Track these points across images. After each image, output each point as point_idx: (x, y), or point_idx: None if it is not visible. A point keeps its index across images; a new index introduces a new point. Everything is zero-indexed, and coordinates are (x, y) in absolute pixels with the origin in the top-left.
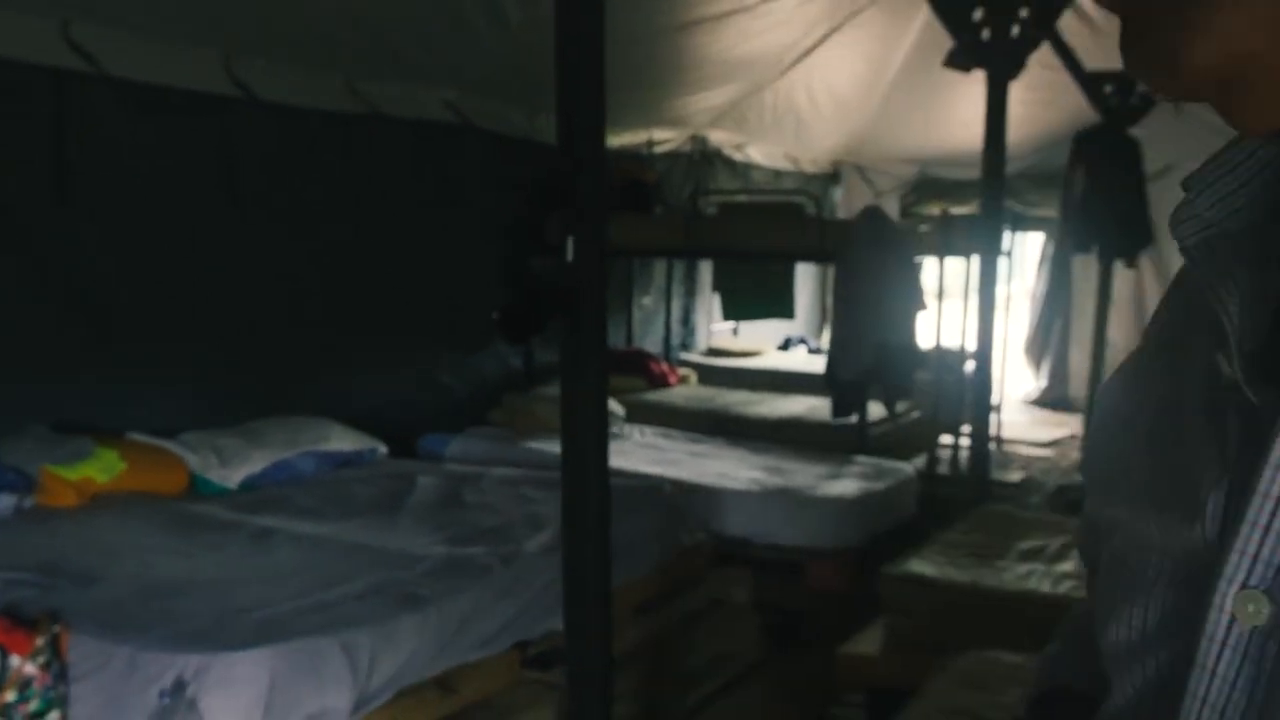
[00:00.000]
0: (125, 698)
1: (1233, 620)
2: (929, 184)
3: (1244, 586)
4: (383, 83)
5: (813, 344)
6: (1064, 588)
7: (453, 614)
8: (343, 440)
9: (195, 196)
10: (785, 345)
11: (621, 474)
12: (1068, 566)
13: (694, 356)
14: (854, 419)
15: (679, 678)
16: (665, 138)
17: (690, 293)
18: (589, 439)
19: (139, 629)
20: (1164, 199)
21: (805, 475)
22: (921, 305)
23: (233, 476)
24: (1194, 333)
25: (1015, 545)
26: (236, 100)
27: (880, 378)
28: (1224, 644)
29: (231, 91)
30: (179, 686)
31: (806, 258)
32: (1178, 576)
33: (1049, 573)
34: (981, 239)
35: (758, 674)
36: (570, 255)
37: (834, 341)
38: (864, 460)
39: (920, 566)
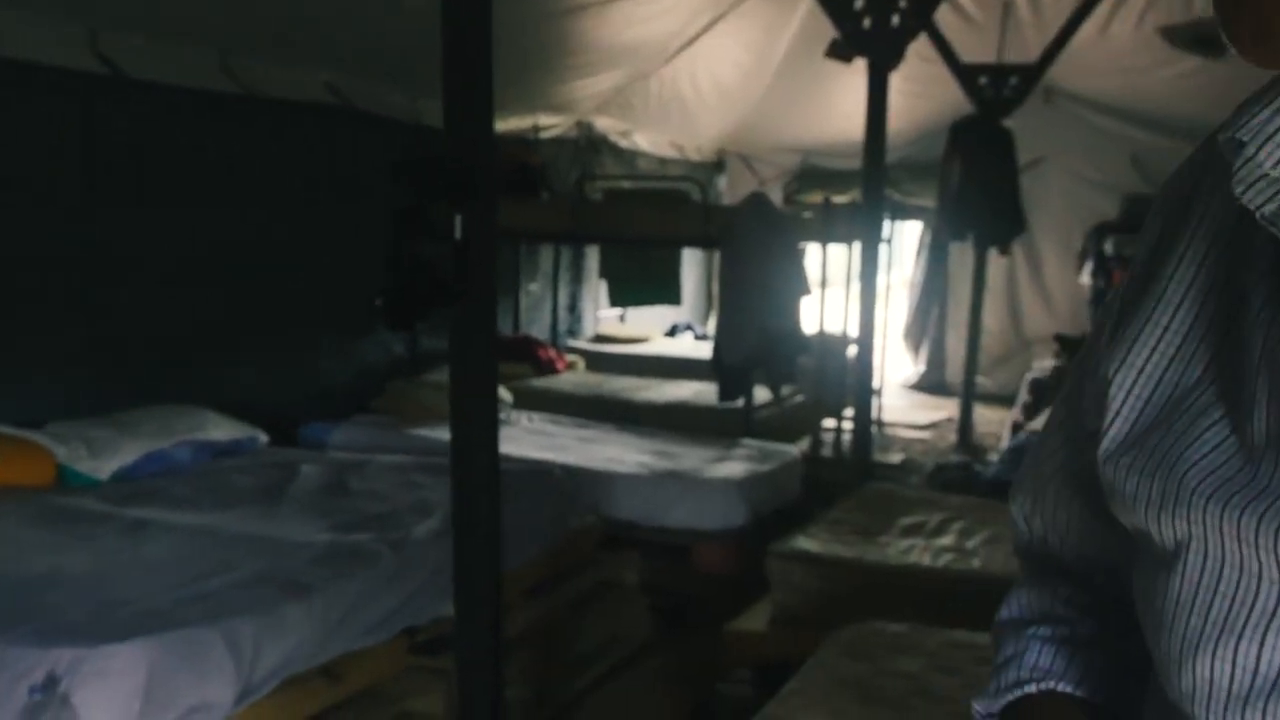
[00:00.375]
0: None
1: None
2: (811, 173)
3: None
4: (259, 62)
5: (699, 330)
6: (943, 561)
7: (339, 602)
8: (220, 429)
9: (58, 178)
10: (672, 332)
11: (509, 460)
12: (947, 541)
13: (581, 343)
14: (740, 403)
15: (568, 661)
16: (551, 123)
17: (577, 280)
18: (479, 421)
19: (6, 624)
20: (1035, 189)
21: (692, 458)
22: (805, 291)
23: (103, 468)
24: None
25: (896, 522)
26: (102, 78)
27: (765, 362)
28: None
29: (97, 69)
30: (51, 682)
31: (692, 243)
32: None
33: (929, 547)
34: (863, 226)
35: (647, 656)
36: (459, 238)
37: (720, 326)
38: (750, 443)
39: (805, 544)
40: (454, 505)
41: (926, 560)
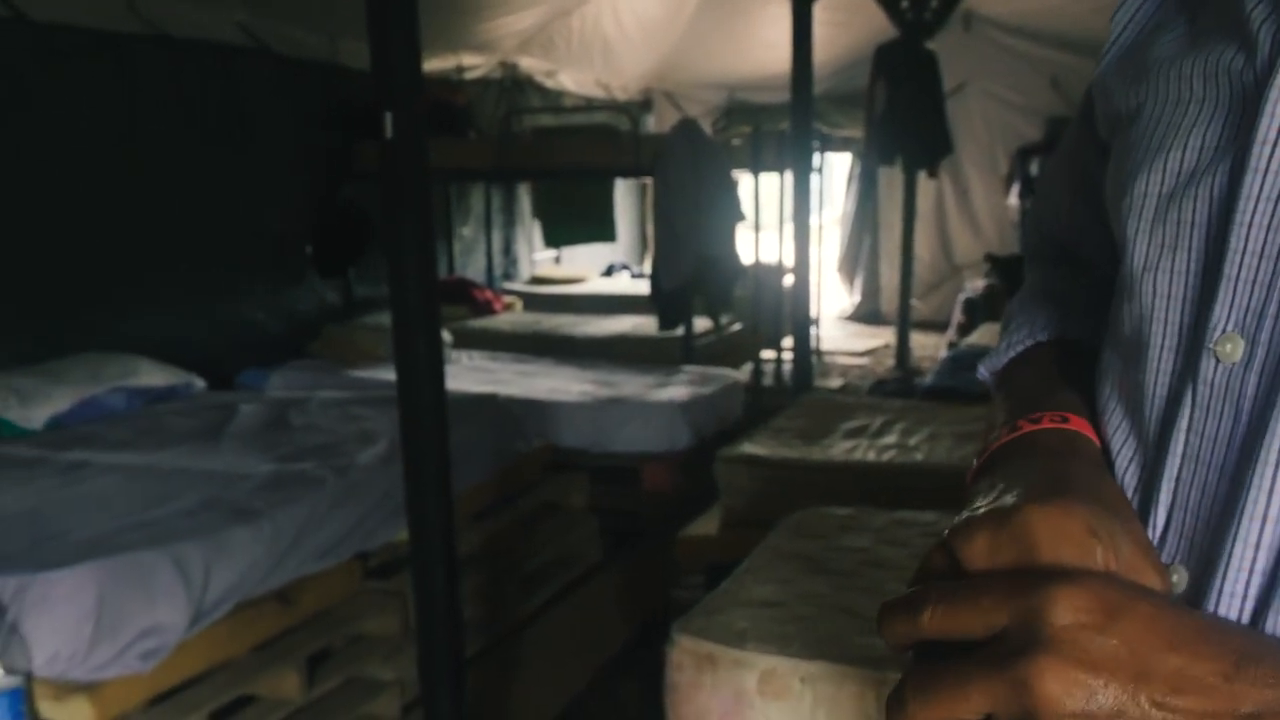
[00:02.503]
0: None
1: None
2: (739, 109)
3: None
4: (167, 1)
5: (635, 270)
6: (887, 457)
7: (287, 526)
8: (154, 375)
9: None
10: (609, 272)
11: (453, 394)
12: (890, 440)
13: (518, 286)
14: (679, 331)
15: (521, 581)
16: (474, 63)
17: (510, 223)
18: (423, 337)
19: None
20: (958, 115)
21: (635, 385)
22: (739, 217)
23: (35, 417)
24: None
25: (839, 426)
26: (6, 20)
27: (703, 288)
28: (1275, 144)
29: (2, 12)
30: None
31: (624, 173)
32: (1220, 111)
33: (873, 445)
34: (792, 154)
35: (599, 574)
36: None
37: (657, 254)
38: (691, 369)
39: (751, 448)
40: (402, 422)
41: (871, 457)
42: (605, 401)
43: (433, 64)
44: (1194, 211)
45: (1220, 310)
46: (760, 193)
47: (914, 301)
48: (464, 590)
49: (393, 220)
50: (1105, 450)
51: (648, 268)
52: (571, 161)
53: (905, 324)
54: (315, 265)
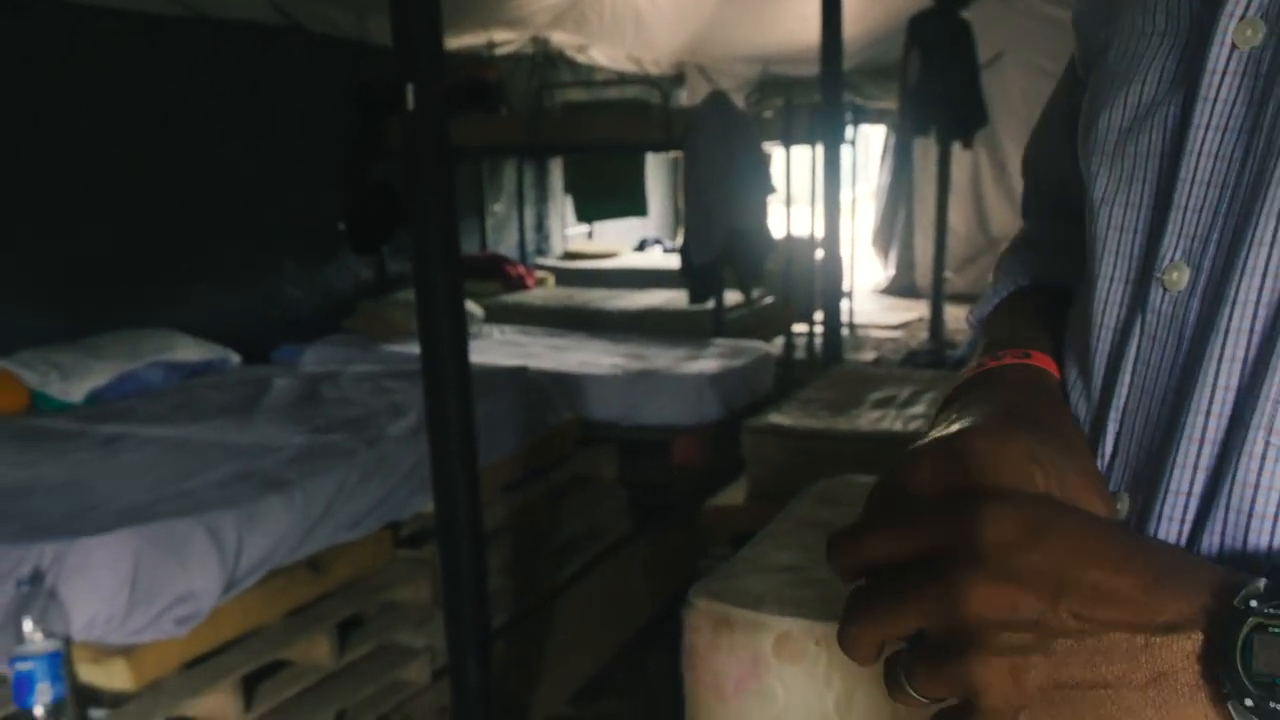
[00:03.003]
0: None
1: (1233, 49)
2: (772, 82)
3: (1242, 18)
4: None
5: (668, 244)
6: (914, 426)
7: (318, 496)
8: (190, 350)
9: (3, 103)
10: (641, 246)
11: (482, 367)
12: (918, 410)
13: (550, 261)
14: (710, 304)
15: (550, 552)
16: (505, 39)
17: (543, 199)
18: (447, 313)
19: None
20: (995, 86)
21: (665, 358)
22: (770, 190)
23: (75, 391)
24: None
25: (867, 397)
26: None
27: (733, 261)
28: (1224, 72)
29: None
30: (37, 576)
31: (655, 148)
32: (1179, 42)
33: (900, 415)
34: (824, 126)
35: (628, 546)
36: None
37: (687, 228)
38: (721, 342)
39: (778, 419)
40: (426, 395)
41: (899, 427)
42: (635, 374)
43: (464, 40)
44: (1150, 143)
45: (1169, 239)
46: (792, 166)
47: (948, 274)
48: (493, 561)
49: (414, 192)
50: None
51: (680, 242)
52: (602, 136)
53: (939, 297)
54: (349, 242)
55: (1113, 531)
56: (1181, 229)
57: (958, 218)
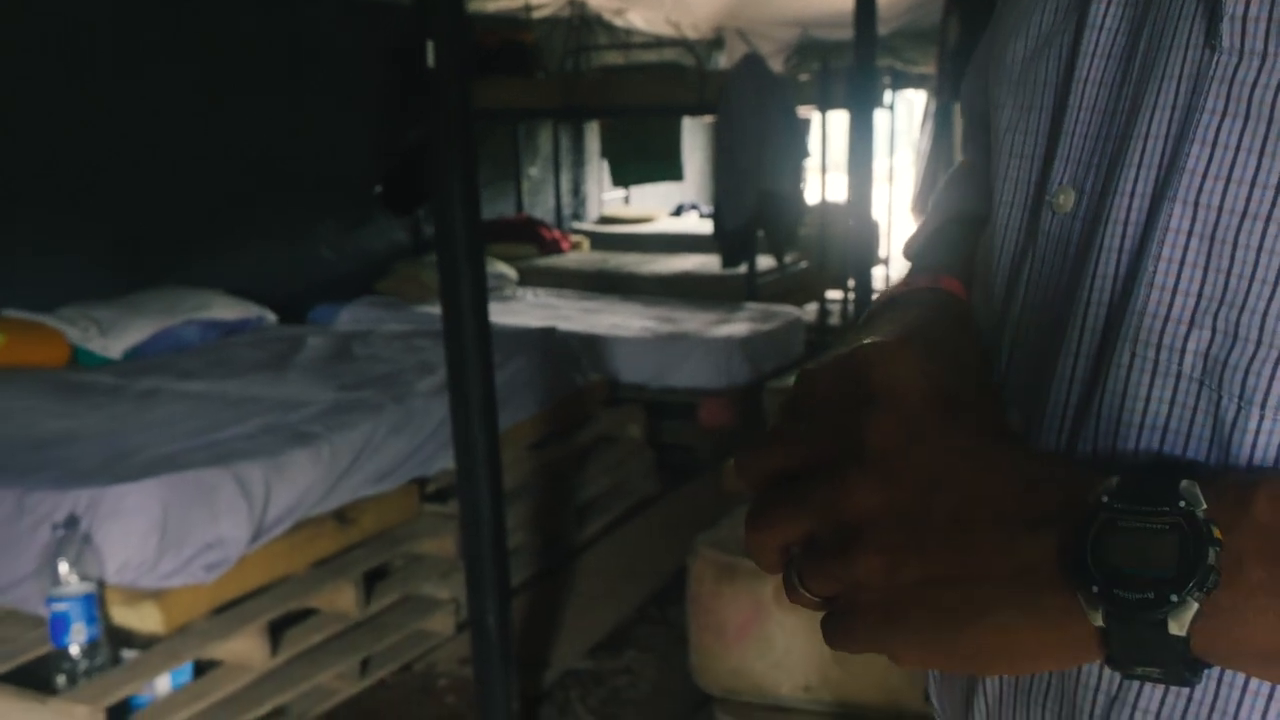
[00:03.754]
0: (17, 539)
1: None
2: (811, 46)
3: None
4: None
5: (705, 209)
6: None
7: (345, 448)
8: (227, 309)
9: (46, 65)
10: (678, 211)
11: (510, 327)
12: None
13: (586, 225)
14: (743, 268)
15: (576, 510)
16: (542, 1)
17: (579, 163)
18: (467, 275)
19: (27, 474)
20: None
21: (696, 322)
22: (805, 154)
23: (114, 347)
24: None
25: None
26: None
27: (766, 225)
28: (1110, 0)
29: None
30: (72, 521)
31: (689, 111)
32: None
33: None
34: (855, 89)
35: (653, 505)
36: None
37: (719, 191)
38: (752, 306)
39: None
40: (447, 357)
41: None
42: (665, 337)
43: (501, 3)
44: (1046, 71)
45: (1059, 164)
46: (830, 132)
47: None
48: (519, 517)
49: (435, 147)
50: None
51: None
52: (638, 100)
53: None
54: (385, 205)
55: (990, 438)
56: (1070, 154)
57: None
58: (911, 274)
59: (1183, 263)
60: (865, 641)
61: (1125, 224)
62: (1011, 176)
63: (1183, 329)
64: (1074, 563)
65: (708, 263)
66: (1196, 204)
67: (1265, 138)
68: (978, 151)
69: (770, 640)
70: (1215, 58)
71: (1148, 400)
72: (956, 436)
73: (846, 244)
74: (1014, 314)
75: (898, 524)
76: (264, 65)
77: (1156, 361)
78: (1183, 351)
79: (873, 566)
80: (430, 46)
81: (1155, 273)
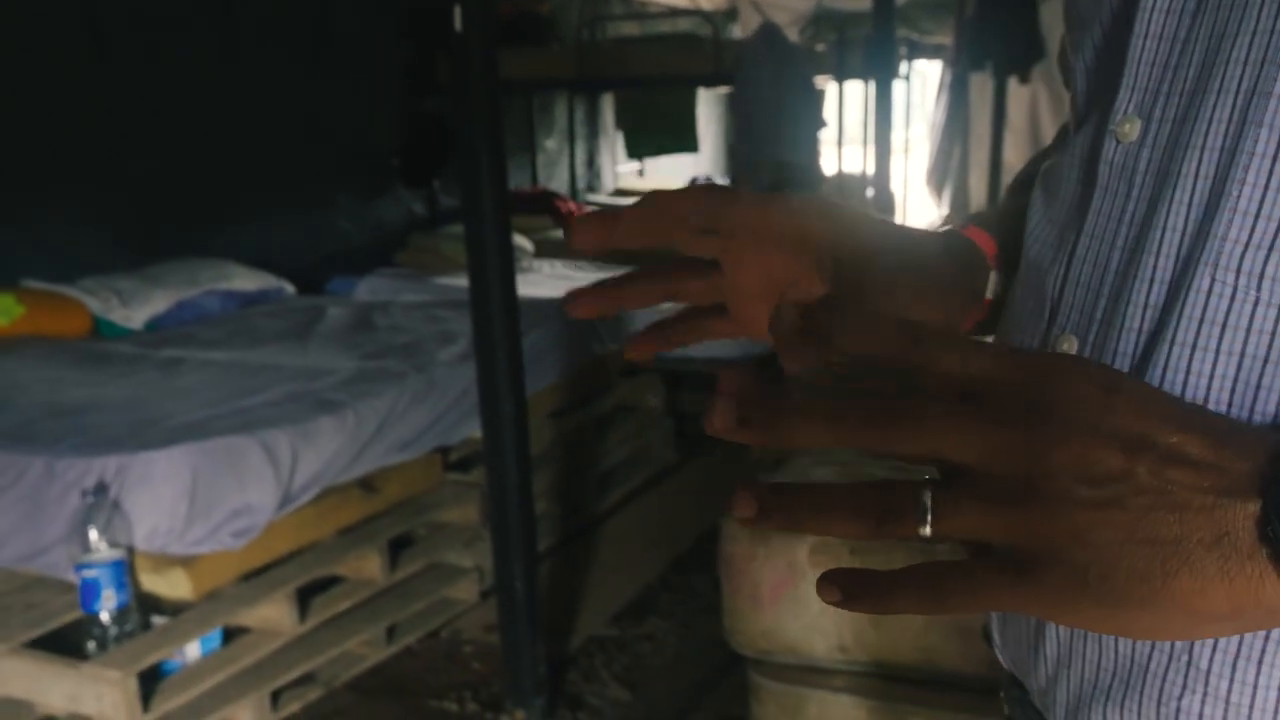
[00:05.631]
0: (46, 506)
1: None
2: (827, 16)
3: None
4: None
5: (720, 181)
6: None
7: (370, 417)
8: (247, 280)
9: (66, 38)
10: (692, 183)
11: (529, 298)
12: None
13: (601, 198)
14: None
15: (599, 478)
16: None
17: (594, 135)
18: (494, 245)
19: (53, 440)
20: (1052, 18)
21: None
22: (821, 124)
23: (135, 317)
24: None
25: None
26: None
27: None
28: None
29: None
30: (100, 488)
31: (705, 82)
32: None
33: None
34: (874, 59)
35: (674, 473)
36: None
37: (736, 162)
38: None
39: None
40: (474, 323)
41: None
42: (680, 309)
43: None
44: (1116, 4)
45: (1123, 93)
46: (846, 104)
47: None
48: (540, 485)
49: (461, 113)
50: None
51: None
52: (653, 70)
53: None
54: (401, 176)
55: (1168, 396)
56: (1135, 82)
57: (1014, 155)
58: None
59: (1266, 187)
60: (1023, 603)
61: (1204, 149)
62: (1080, 109)
63: (1262, 254)
64: (1275, 532)
65: None
66: None
67: None
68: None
69: (805, 601)
70: None
71: (1224, 326)
72: (1143, 392)
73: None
74: (1069, 241)
75: (1102, 481)
76: (282, 36)
77: (1236, 286)
78: (1261, 276)
79: (1071, 524)
80: (457, 12)
81: (1239, 198)
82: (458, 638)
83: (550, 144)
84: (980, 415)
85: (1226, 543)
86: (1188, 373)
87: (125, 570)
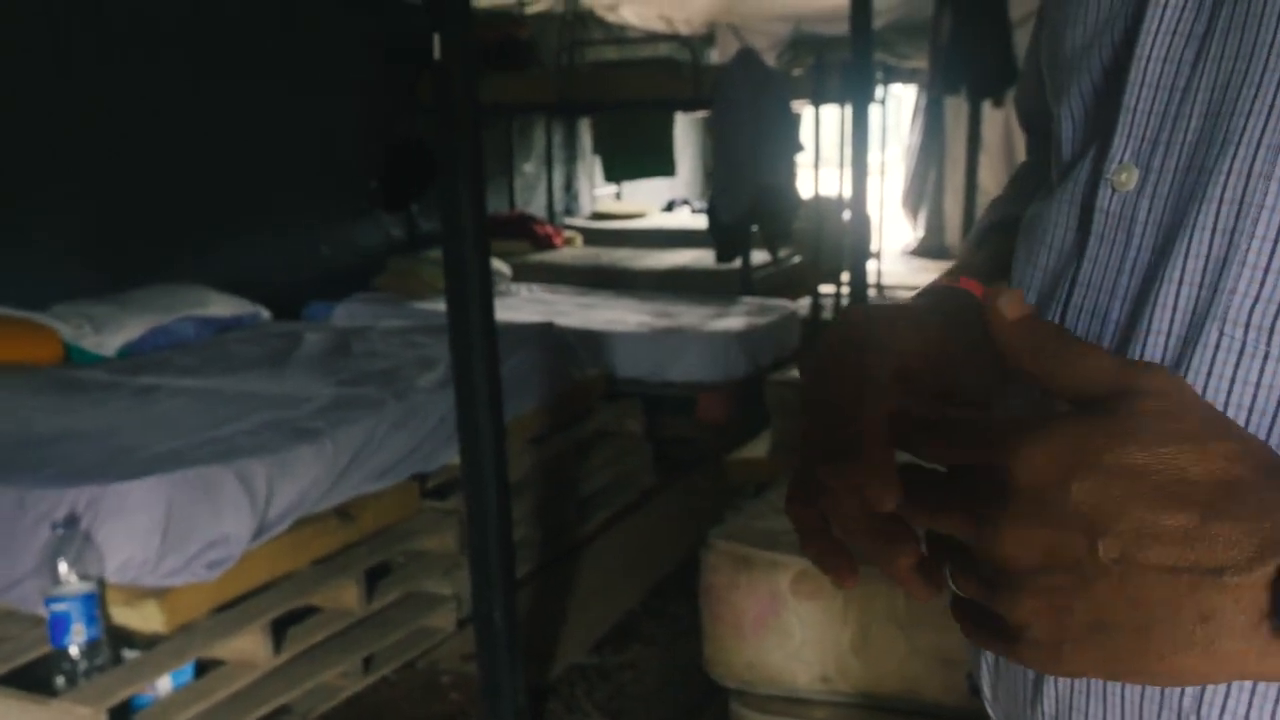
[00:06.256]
0: (16, 538)
1: None
2: (804, 41)
3: None
4: None
5: (696, 205)
6: None
7: (347, 445)
8: (222, 305)
9: (34, 60)
10: (669, 207)
11: (508, 323)
12: None
13: (579, 221)
14: (738, 263)
15: (576, 504)
16: None
17: (572, 159)
18: (471, 267)
19: (24, 471)
20: (1026, 43)
21: (692, 316)
22: (798, 148)
23: (109, 344)
24: None
25: None
26: None
27: (761, 220)
28: None
29: None
30: (71, 520)
31: (684, 106)
32: None
33: None
34: (852, 83)
35: (653, 498)
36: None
37: (715, 186)
38: (748, 300)
39: None
40: (452, 346)
41: None
42: (662, 332)
43: None
44: (1104, 52)
45: (1119, 141)
46: (822, 127)
47: None
48: (519, 511)
49: (442, 139)
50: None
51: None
52: (631, 94)
53: None
54: (380, 200)
55: (1154, 449)
56: (1132, 130)
57: (988, 178)
58: (946, 273)
59: (1277, 240)
60: (1035, 664)
61: (1221, 202)
62: (1073, 158)
63: (1273, 308)
64: None
65: (702, 257)
66: None
67: None
68: (1032, 153)
69: (788, 631)
70: None
71: (1233, 381)
72: (1116, 461)
73: (840, 238)
74: (1063, 289)
75: (1059, 569)
76: (258, 59)
77: (1245, 341)
78: (1272, 331)
79: (1034, 612)
80: (436, 39)
81: (1248, 251)
82: (436, 668)
83: (529, 168)
84: (945, 498)
85: (1213, 622)
86: None
87: (96, 603)
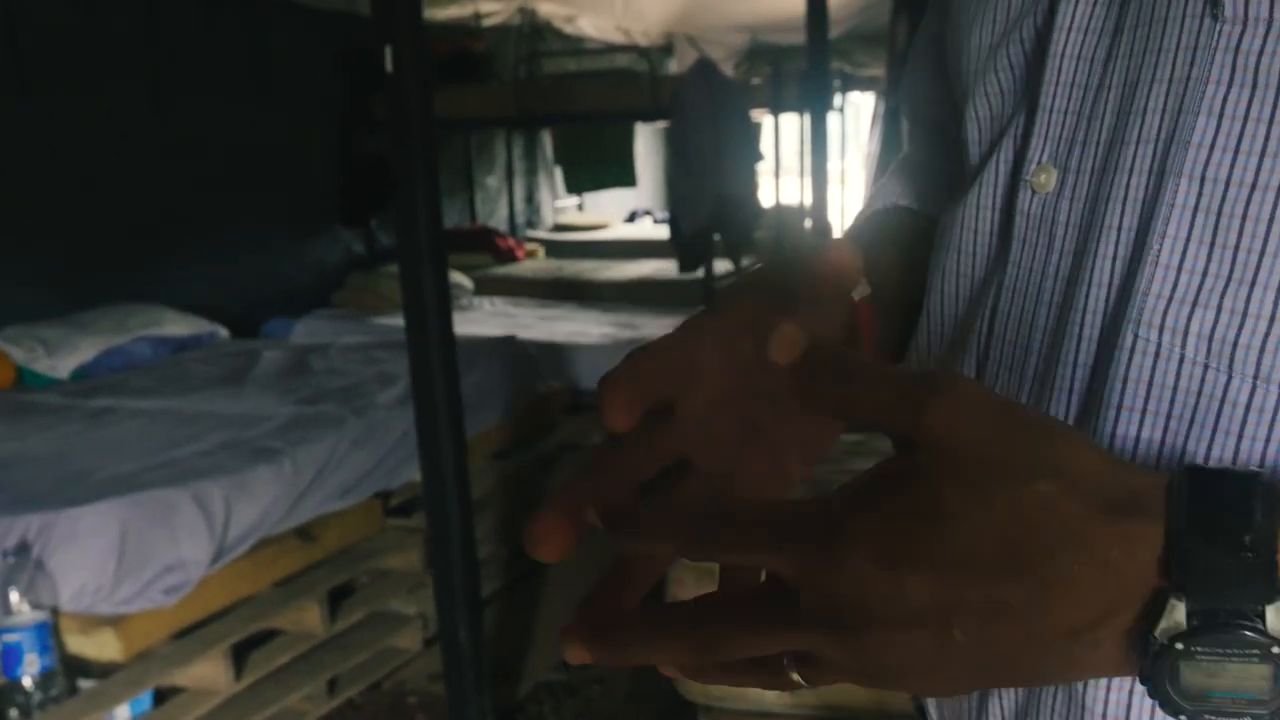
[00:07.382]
0: None
1: None
2: (762, 51)
3: None
4: None
5: (658, 215)
6: None
7: (307, 464)
8: (178, 325)
9: None
10: (631, 218)
11: (470, 337)
12: None
13: (541, 233)
14: (700, 273)
15: None
16: (492, 9)
17: (533, 170)
18: (429, 282)
19: None
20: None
21: (655, 327)
22: (758, 157)
23: (62, 366)
24: None
25: None
26: None
27: (722, 229)
28: None
29: None
30: (23, 548)
31: (643, 117)
32: None
33: None
34: (809, 92)
35: None
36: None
37: (675, 196)
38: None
39: None
40: (411, 363)
41: None
42: (625, 344)
43: (450, 11)
44: (1015, 51)
45: (1036, 142)
46: (781, 136)
47: None
48: (483, 528)
49: (397, 152)
50: (929, 295)
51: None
52: (590, 106)
53: None
54: (340, 216)
55: (967, 519)
56: (1048, 131)
57: None
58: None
59: (1188, 239)
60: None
61: (1126, 201)
62: (982, 159)
63: (1186, 309)
64: (1151, 692)
65: (664, 268)
66: (1203, 178)
67: (1275, 106)
68: (919, 147)
69: None
70: (1218, 27)
71: (1150, 385)
72: (949, 535)
73: (802, 246)
74: (990, 295)
75: (913, 658)
76: (213, 75)
77: (1159, 344)
78: (1185, 333)
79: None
80: (389, 51)
81: (1160, 251)
82: (402, 689)
83: (490, 181)
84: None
85: (1076, 673)
86: (1113, 436)
87: (50, 633)
